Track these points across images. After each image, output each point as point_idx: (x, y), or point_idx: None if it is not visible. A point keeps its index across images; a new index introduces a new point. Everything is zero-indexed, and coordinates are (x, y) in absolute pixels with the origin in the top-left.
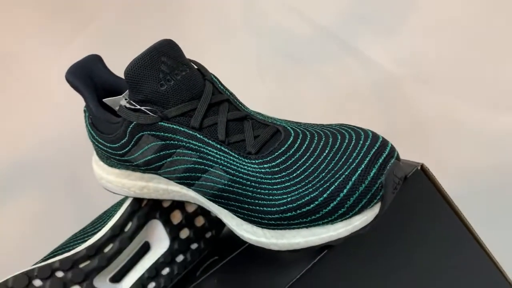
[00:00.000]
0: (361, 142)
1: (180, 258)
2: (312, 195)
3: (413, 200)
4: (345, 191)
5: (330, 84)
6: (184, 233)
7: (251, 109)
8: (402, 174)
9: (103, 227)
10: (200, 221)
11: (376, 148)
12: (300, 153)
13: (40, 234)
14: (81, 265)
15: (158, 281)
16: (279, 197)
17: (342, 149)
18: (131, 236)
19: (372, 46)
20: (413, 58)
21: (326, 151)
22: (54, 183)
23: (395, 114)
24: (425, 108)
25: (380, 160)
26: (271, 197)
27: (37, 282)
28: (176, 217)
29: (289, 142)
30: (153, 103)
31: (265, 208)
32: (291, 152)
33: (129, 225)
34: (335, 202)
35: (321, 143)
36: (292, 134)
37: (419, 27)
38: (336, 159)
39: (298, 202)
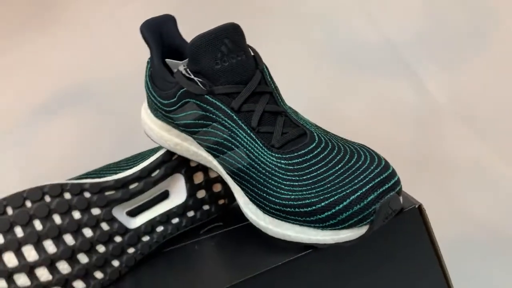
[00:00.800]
0: (372, 167)
1: (190, 213)
2: (312, 200)
3: (402, 234)
4: (341, 206)
5: (375, 98)
6: (201, 194)
7: (289, 106)
8: (397, 207)
9: (135, 166)
10: (217, 187)
11: (382, 177)
12: (316, 159)
13: (78, 159)
14: (107, 193)
15: (166, 227)
16: (285, 192)
17: (353, 168)
18: (155, 181)
19: (429, 73)
20: (464, 98)
21: (339, 165)
22: (101, 115)
23: (427, 146)
24: (457, 149)
25: (381, 190)
26: (278, 189)
27: (67, 195)
28: (198, 177)
29: (310, 147)
30: (205, 77)
31: (270, 197)
32: (309, 156)
33: (157, 172)
34: (329, 212)
35: (338, 157)
36: (316, 141)
37: (481, 67)
38: (345, 175)
39: (299, 202)
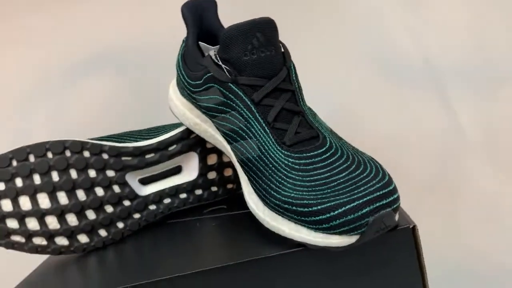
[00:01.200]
0: (375, 181)
1: (198, 192)
2: (310, 201)
3: (391, 251)
4: (335, 212)
5: (402, 113)
6: (212, 175)
7: (309, 107)
8: (391, 224)
9: (155, 138)
10: (228, 172)
11: (381, 192)
12: (322, 164)
13: (104, 121)
14: (123, 158)
15: (173, 200)
16: (287, 189)
17: (356, 179)
18: (170, 155)
19: (462, 98)
20: (494, 129)
21: (344, 173)
22: (133, 84)
23: (444, 170)
24: (475, 179)
25: (377, 204)
26: (281, 185)
27: (86, 153)
28: (212, 159)
29: (319, 151)
30: (233, 66)
31: (272, 192)
32: (316, 159)
33: (174, 146)
34: (323, 216)
35: (344, 165)
36: (327, 145)
37: None
38: (347, 184)
39: (297, 201)
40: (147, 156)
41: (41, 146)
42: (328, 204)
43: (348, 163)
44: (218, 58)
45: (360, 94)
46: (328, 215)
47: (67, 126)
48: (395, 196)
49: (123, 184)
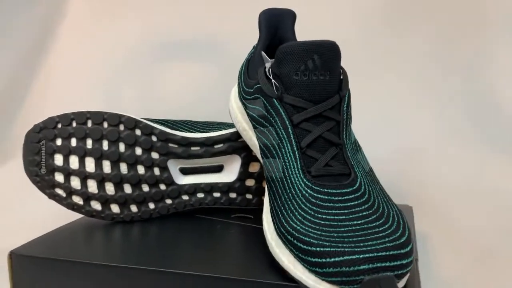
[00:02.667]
0: (389, 238)
1: (232, 195)
2: (312, 240)
3: None
4: (332, 259)
5: (477, 178)
6: (250, 182)
7: (356, 140)
8: None
9: (205, 133)
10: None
11: (389, 253)
12: (341, 205)
13: (185, 102)
14: (170, 144)
15: (205, 196)
16: (296, 220)
17: (370, 230)
18: (214, 153)
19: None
20: None
21: (360, 220)
22: (217, 71)
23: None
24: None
25: (379, 264)
26: (291, 214)
27: (138, 132)
28: (254, 167)
29: (344, 190)
30: (282, 83)
31: (282, 218)
32: (337, 198)
33: (220, 145)
34: (319, 259)
35: (366, 212)
36: (355, 186)
37: None
38: (357, 233)
39: (300, 236)
40: (192, 148)
41: (99, 114)
42: (328, 249)
43: (370, 211)
44: (270, 72)
45: (432, 137)
46: (324, 260)
47: (150, 102)
48: (404, 261)
49: (164, 168)
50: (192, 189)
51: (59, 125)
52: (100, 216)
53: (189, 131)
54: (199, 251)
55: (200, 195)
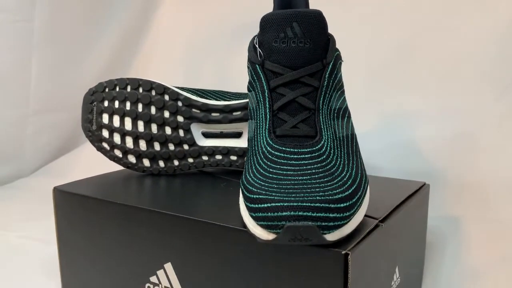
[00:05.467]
0: (325, 193)
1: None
2: (252, 189)
3: (319, 269)
4: (262, 205)
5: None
6: None
7: (334, 109)
8: (311, 238)
9: (224, 101)
10: None
11: (316, 205)
12: (295, 162)
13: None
14: (193, 109)
15: (223, 158)
16: (251, 173)
17: (312, 185)
18: (232, 120)
19: None
20: None
21: (307, 177)
22: None
23: None
24: None
25: (301, 213)
26: (250, 168)
27: (166, 97)
28: None
29: (302, 150)
30: (264, 50)
31: (245, 172)
32: (292, 156)
33: (238, 113)
34: (253, 205)
35: (316, 170)
36: (316, 148)
37: None
38: (298, 186)
39: (248, 186)
40: (213, 114)
41: (135, 81)
42: (262, 197)
43: (321, 170)
44: (256, 41)
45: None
46: (256, 205)
47: (227, 78)
48: (331, 215)
49: (187, 130)
50: (211, 151)
51: (106, 89)
52: (134, 168)
53: (211, 99)
54: (195, 199)
55: (218, 157)
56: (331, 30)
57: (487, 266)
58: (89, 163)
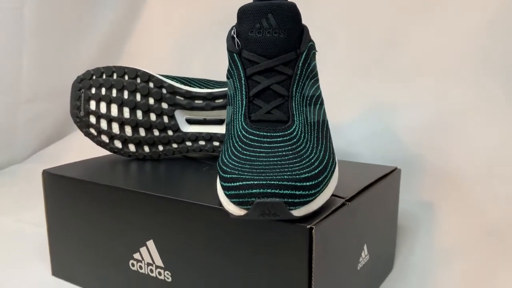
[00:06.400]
0: (293, 173)
1: None
2: (226, 169)
3: (286, 243)
4: (234, 184)
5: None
6: None
7: (307, 96)
8: (279, 213)
9: (207, 89)
10: None
11: (283, 183)
12: (267, 145)
13: None
14: (177, 97)
15: (206, 144)
16: (225, 155)
17: (281, 165)
18: (214, 107)
19: None
20: None
21: (277, 158)
22: None
23: None
24: None
25: (269, 190)
26: (225, 151)
27: (151, 84)
28: None
29: (275, 134)
30: (241, 40)
31: (222, 155)
32: (265, 139)
33: (220, 100)
34: (226, 184)
35: (287, 152)
36: (287, 132)
37: None
38: (268, 166)
39: (222, 166)
40: (196, 101)
41: (121, 69)
42: (234, 176)
43: (291, 152)
44: (234, 31)
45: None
46: (229, 184)
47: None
48: (297, 192)
49: (171, 117)
50: (194, 137)
51: (94, 77)
52: (120, 153)
53: (195, 87)
54: (178, 181)
55: (201, 142)
56: (314, 20)
57: (460, 249)
58: (80, 150)
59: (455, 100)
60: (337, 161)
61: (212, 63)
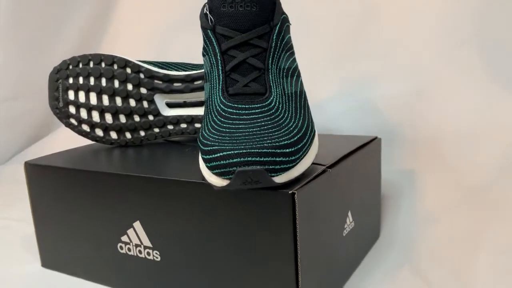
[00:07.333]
0: (272, 141)
1: None
2: (207, 142)
3: (270, 210)
4: (214, 155)
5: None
6: None
7: (284, 68)
8: (261, 180)
9: (185, 71)
10: None
11: (263, 151)
12: (246, 117)
13: None
14: (155, 81)
15: (187, 126)
16: (206, 129)
17: (260, 135)
18: (194, 89)
19: None
20: None
21: (256, 128)
22: None
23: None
24: None
25: (249, 158)
26: (205, 126)
27: (128, 70)
28: None
29: (253, 105)
30: (214, 16)
31: (201, 129)
32: (243, 112)
33: (199, 82)
34: (207, 156)
35: (265, 122)
36: (265, 103)
37: None
38: (248, 137)
39: (202, 140)
40: (175, 84)
41: (97, 56)
42: (215, 147)
43: (269, 122)
44: (206, 7)
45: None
46: (210, 156)
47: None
48: (278, 158)
49: (151, 101)
50: (175, 120)
51: (70, 66)
52: (102, 141)
53: (173, 70)
54: (160, 163)
55: (183, 125)
56: None
57: (442, 211)
58: (64, 147)
59: (431, 69)
60: (316, 130)
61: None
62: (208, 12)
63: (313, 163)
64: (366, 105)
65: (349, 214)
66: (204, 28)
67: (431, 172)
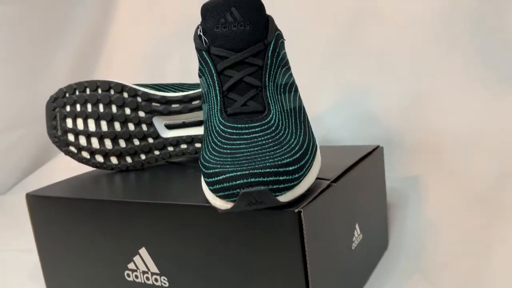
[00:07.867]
0: (275, 159)
1: None
2: (209, 164)
3: (276, 230)
4: (218, 178)
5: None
6: None
7: (281, 84)
8: (265, 201)
9: (183, 92)
10: None
11: (265, 170)
12: (247, 136)
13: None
14: (153, 103)
15: (188, 147)
16: (207, 151)
17: (262, 155)
18: (192, 109)
19: None
20: None
21: (257, 148)
22: None
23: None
24: None
25: (253, 179)
26: (205, 147)
27: (125, 94)
28: None
29: (253, 124)
30: (208, 37)
31: (202, 151)
32: (243, 131)
33: (197, 102)
34: (210, 179)
35: (266, 141)
36: (265, 121)
37: None
38: (250, 157)
39: (204, 163)
40: (173, 106)
41: (93, 83)
42: (217, 170)
43: (270, 140)
44: (200, 29)
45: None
46: (213, 179)
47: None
48: (281, 177)
49: (150, 124)
50: (175, 141)
51: (67, 94)
52: (103, 167)
53: (170, 91)
54: (176, 189)
55: (183, 146)
56: (288, 6)
57: (449, 218)
58: (63, 175)
59: (429, 73)
60: (318, 145)
61: (186, 67)
62: (202, 34)
63: (317, 178)
64: (363, 114)
65: (357, 226)
66: (198, 50)
67: (435, 178)
